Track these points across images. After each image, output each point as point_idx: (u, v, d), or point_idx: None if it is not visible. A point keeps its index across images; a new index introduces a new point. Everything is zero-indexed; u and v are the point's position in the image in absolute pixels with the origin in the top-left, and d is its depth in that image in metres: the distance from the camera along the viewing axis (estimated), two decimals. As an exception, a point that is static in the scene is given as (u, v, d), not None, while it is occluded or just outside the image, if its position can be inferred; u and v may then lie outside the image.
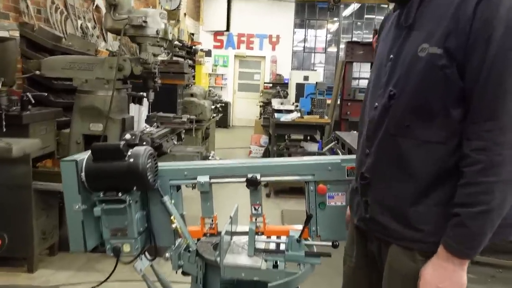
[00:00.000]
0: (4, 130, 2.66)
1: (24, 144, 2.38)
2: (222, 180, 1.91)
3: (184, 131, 4.29)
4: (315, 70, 12.97)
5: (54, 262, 3.50)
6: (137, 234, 1.83)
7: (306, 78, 10.50)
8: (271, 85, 12.79)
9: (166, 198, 1.88)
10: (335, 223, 1.87)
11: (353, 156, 1.81)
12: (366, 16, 14.08)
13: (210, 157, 3.79)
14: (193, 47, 9.99)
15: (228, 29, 13.70)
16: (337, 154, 4.57)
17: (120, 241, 1.85)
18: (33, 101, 3.11)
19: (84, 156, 1.74)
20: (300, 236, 1.83)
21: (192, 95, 6.08)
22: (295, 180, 1.89)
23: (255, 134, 8.90)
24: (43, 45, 3.77)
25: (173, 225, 1.88)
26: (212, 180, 1.89)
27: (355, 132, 4.66)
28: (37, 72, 3.33)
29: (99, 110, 3.49)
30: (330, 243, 1.85)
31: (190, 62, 9.66)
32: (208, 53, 12.86)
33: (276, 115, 5.64)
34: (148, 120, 3.80)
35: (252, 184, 1.82)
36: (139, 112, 4.11)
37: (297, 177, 1.87)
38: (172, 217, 1.88)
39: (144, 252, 1.98)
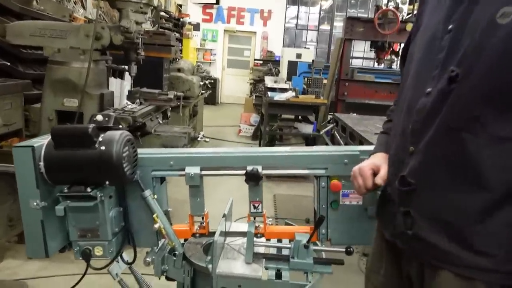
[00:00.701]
0: None
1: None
2: (216, 172, 1.58)
3: (170, 108, 3.92)
4: (308, 48, 12.55)
5: (23, 251, 3.14)
6: (111, 235, 1.51)
7: (298, 56, 10.13)
8: (261, 62, 12.37)
9: (147, 193, 1.56)
10: (349, 225, 1.57)
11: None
12: (361, -7, 13.61)
13: (199, 138, 3.45)
14: (181, 19, 9.46)
15: (218, 2, 13.09)
16: (335, 137, 4.27)
17: (90, 243, 1.53)
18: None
19: (43, 141, 1.39)
20: (308, 241, 1.53)
21: (179, 70, 5.67)
22: (303, 174, 1.57)
23: (245, 112, 8.55)
24: (9, 7, 3.31)
25: (156, 225, 1.56)
26: (204, 172, 1.57)
27: (355, 114, 4.36)
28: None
29: (73, 83, 3.10)
30: (343, 249, 1.56)
31: (177, 35, 9.15)
32: (197, 27, 12.29)
33: (269, 93, 5.29)
34: (131, 96, 3.42)
35: (253, 178, 1.50)
36: (121, 87, 3.72)
37: (306, 170, 1.56)
38: (154, 216, 1.56)
39: (121, 255, 1.66)
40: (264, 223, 1.63)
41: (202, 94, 6.41)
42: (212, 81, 8.25)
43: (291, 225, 1.79)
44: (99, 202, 1.42)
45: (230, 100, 13.42)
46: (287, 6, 13.65)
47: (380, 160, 1.23)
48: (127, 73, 3.80)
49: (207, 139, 3.41)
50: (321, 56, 13.35)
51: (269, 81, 5.65)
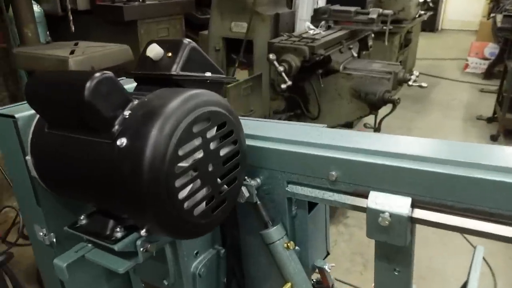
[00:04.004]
0: (73, 29, 1.79)
1: (94, 54, 1.45)
2: (456, 222, 0.53)
3: (372, 35, 2.78)
4: None
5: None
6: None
7: None
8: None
9: (274, 234, 0.66)
10: None
11: None
12: None
13: (410, 82, 2.27)
14: None
15: None
16: None
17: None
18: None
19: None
20: None
21: (391, -17, 4.28)
22: None
23: (478, 41, 6.45)
24: None
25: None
26: (419, 215, 0.54)
27: None
28: None
29: (242, 1, 2.33)
30: None
31: None
32: None
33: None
34: (316, 17, 2.45)
35: None
36: (306, 4, 2.78)
37: None
38: (288, 286, 0.66)
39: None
40: None
41: (420, 16, 4.86)
42: (435, -1, 6.41)
43: None
44: (155, 254, 0.59)
45: (456, 26, 10.80)
46: None
47: None
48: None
49: (424, 84, 2.20)
50: None
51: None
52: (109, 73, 0.48)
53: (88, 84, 0.45)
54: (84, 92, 0.45)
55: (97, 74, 0.47)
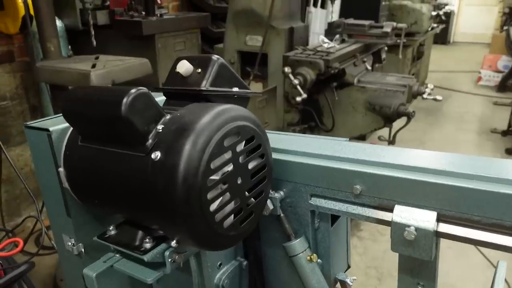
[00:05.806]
0: (95, 44, 1.84)
1: (115, 67, 1.49)
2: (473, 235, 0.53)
3: (386, 48, 2.80)
4: None
5: None
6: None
7: None
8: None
9: (297, 246, 0.67)
10: None
11: None
12: None
13: (424, 95, 2.28)
14: None
15: None
16: None
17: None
18: (159, 2, 2.19)
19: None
20: None
21: (404, -4, 4.30)
22: None
23: (491, 54, 6.41)
24: None
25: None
26: (445, 229, 0.54)
27: None
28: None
29: (257, 15, 2.38)
30: None
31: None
32: None
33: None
34: (330, 31, 2.48)
35: None
36: (325, 20, 2.80)
37: None
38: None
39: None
40: None
41: (432, 29, 4.86)
42: (448, 11, 6.40)
43: None
44: (177, 268, 0.60)
45: (468, 39, 10.76)
46: None
47: None
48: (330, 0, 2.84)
49: (439, 97, 2.20)
50: None
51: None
52: (144, 89, 0.50)
53: (125, 100, 0.47)
54: (121, 107, 0.47)
55: (133, 90, 0.49)
